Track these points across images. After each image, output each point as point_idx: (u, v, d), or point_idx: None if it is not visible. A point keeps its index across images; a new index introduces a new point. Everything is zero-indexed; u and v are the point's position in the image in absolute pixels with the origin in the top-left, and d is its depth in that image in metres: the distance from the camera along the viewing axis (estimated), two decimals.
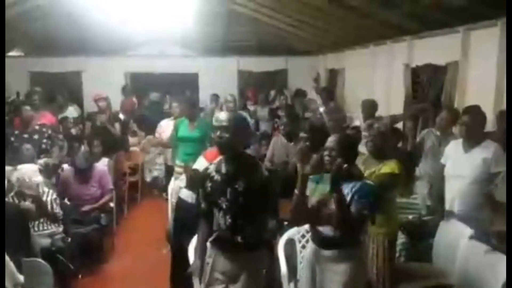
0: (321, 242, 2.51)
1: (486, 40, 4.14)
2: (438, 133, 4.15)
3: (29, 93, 7.05)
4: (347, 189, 2.37)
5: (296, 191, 2.46)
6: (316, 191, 2.53)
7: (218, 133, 2.38)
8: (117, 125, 6.26)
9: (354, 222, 2.37)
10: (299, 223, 2.90)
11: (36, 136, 5.06)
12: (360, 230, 2.50)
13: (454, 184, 3.29)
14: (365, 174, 2.84)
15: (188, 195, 3.57)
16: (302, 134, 4.04)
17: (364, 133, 4.42)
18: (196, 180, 3.47)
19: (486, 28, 4.13)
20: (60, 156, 5.19)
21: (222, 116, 2.45)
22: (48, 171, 4.51)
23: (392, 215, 3.11)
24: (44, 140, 5.09)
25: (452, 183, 3.33)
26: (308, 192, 2.49)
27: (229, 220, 2.43)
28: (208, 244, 2.62)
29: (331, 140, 2.52)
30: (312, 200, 2.51)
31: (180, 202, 3.68)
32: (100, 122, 6.06)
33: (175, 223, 3.75)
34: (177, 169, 4.65)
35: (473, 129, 3.23)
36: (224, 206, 2.44)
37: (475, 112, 3.34)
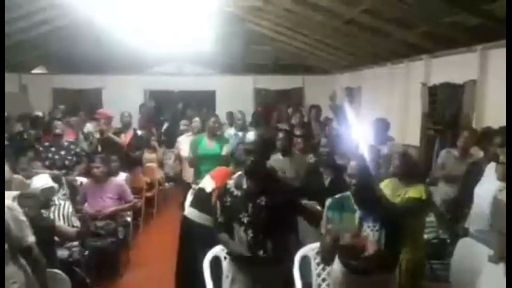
0: (352, 269, 2.37)
1: (503, 58, 4.12)
2: (456, 153, 4.10)
3: (52, 110, 7.28)
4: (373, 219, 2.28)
5: (323, 232, 2.39)
6: (342, 221, 2.36)
7: (248, 154, 2.45)
8: (123, 136, 6.35)
9: (389, 253, 2.25)
10: (331, 262, 2.64)
11: (63, 152, 5.21)
12: (395, 258, 2.38)
13: (477, 204, 3.23)
14: (392, 199, 2.73)
15: (191, 213, 3.49)
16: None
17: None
18: (200, 199, 3.45)
19: (503, 47, 4.11)
20: (79, 170, 5.31)
21: (250, 136, 2.57)
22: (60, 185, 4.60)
23: (419, 242, 2.97)
24: (69, 157, 5.22)
25: (476, 203, 3.26)
26: (331, 225, 2.35)
27: (251, 235, 2.44)
28: (226, 259, 2.64)
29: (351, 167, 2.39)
30: (345, 237, 2.31)
31: (184, 220, 3.58)
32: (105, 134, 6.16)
33: (181, 241, 3.64)
34: (194, 186, 4.67)
35: None
36: (245, 221, 2.45)
37: None
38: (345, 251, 2.31)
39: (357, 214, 2.35)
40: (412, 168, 2.95)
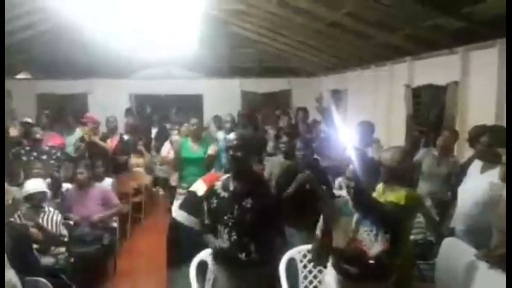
0: (348, 275, 2.34)
1: (484, 60, 4.20)
2: (436, 153, 4.17)
3: (37, 116, 7.18)
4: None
5: (318, 233, 2.40)
6: (340, 224, 2.36)
7: (230, 152, 2.45)
8: (109, 141, 6.31)
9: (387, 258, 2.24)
10: (323, 263, 2.61)
11: (44, 157, 5.14)
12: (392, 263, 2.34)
13: (461, 203, 3.27)
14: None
15: (180, 215, 3.48)
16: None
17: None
18: (191, 202, 3.42)
19: (484, 48, 4.19)
20: (64, 177, 5.24)
21: (232, 135, 2.54)
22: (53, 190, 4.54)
23: (407, 244, 2.86)
24: (52, 162, 5.16)
25: (460, 202, 3.31)
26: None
27: (234, 237, 2.44)
28: (210, 260, 2.63)
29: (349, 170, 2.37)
30: (339, 239, 2.33)
31: (172, 222, 3.58)
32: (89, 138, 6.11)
33: (169, 243, 3.65)
34: (180, 190, 4.66)
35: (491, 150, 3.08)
36: (230, 223, 2.45)
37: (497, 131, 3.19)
38: (340, 255, 2.32)
39: (355, 217, 2.33)
40: (396, 173, 2.81)
